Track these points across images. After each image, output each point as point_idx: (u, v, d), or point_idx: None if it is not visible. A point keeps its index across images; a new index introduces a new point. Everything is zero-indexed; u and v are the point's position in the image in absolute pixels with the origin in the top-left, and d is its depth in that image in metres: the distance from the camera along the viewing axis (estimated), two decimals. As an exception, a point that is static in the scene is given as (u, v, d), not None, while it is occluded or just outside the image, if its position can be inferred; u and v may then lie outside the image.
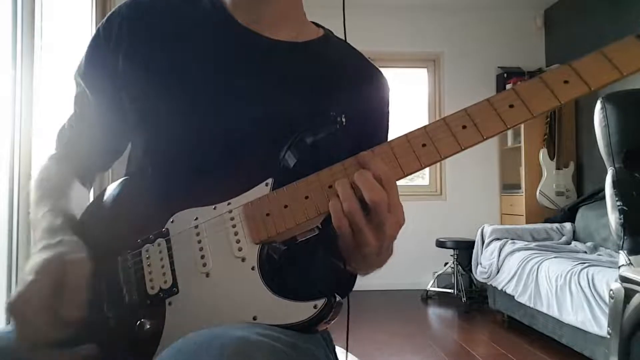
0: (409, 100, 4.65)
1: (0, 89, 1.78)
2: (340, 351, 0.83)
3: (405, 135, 0.58)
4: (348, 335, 0.79)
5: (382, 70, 0.82)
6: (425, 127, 0.58)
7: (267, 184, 0.61)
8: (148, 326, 0.59)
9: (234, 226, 0.61)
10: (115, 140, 0.80)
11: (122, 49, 0.72)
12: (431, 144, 0.57)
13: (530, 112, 0.54)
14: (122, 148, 0.82)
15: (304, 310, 0.55)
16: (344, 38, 0.84)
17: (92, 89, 0.76)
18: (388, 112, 0.82)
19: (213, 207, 0.62)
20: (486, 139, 0.56)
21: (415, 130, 0.58)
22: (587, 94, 0.54)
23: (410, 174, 0.57)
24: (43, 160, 0.81)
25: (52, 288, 0.55)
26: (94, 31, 0.77)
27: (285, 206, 0.59)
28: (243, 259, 0.59)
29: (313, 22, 0.83)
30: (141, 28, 0.73)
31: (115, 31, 0.73)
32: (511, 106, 0.55)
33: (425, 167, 0.57)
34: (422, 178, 4.78)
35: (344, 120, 0.61)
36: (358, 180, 0.54)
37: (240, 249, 0.59)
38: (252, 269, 0.58)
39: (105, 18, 0.75)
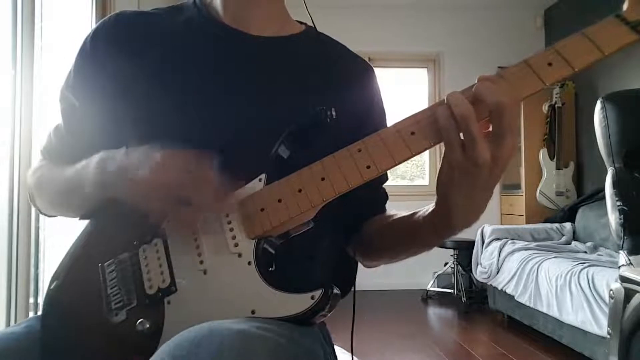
0: (409, 101, 4.65)
1: (0, 89, 1.78)
2: (340, 351, 0.83)
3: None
4: (353, 334, 0.79)
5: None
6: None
7: (260, 180, 0.62)
8: (148, 326, 0.59)
9: (229, 222, 0.61)
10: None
11: (114, 59, 0.72)
12: None
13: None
14: None
15: (301, 302, 0.55)
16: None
17: (83, 101, 0.75)
18: (380, 98, 0.83)
19: None
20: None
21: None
22: (571, 75, 0.54)
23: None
24: (31, 170, 0.81)
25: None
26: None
27: (279, 200, 0.59)
28: (239, 255, 0.59)
29: (297, 20, 0.84)
30: (132, 37, 0.73)
31: (103, 43, 0.73)
32: None
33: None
34: (422, 178, 4.78)
35: (334, 113, 0.61)
36: (480, 88, 0.53)
37: (236, 245, 0.60)
38: (249, 264, 0.59)
39: (92, 31, 0.75)
